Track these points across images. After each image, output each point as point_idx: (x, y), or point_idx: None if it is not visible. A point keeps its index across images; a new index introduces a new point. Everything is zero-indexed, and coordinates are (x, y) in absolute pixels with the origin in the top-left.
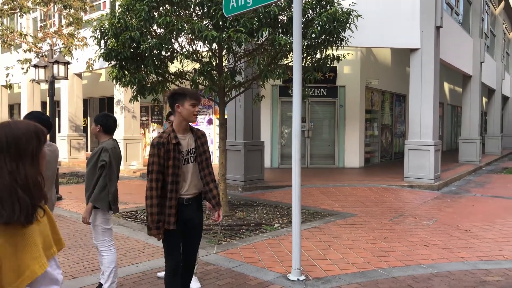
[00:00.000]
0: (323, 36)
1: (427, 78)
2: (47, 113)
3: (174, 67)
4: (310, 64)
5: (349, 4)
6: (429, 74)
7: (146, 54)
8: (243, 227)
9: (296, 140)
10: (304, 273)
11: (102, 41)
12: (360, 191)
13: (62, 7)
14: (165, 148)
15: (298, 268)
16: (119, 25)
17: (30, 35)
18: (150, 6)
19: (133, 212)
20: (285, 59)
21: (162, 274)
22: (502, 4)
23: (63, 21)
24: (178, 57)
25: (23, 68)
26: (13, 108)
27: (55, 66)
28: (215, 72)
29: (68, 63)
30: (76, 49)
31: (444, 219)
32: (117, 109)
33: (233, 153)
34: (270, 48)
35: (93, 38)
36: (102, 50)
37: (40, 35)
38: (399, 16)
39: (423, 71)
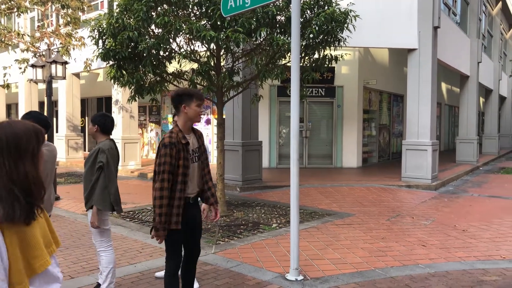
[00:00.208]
0: (321, 36)
1: (425, 78)
2: (45, 113)
3: (172, 67)
4: (308, 64)
5: (347, 5)
6: (426, 74)
7: (144, 54)
8: (241, 227)
9: (294, 140)
10: (302, 273)
11: (100, 41)
12: (358, 191)
13: (60, 7)
14: (177, 148)
15: (296, 268)
16: (117, 25)
17: (28, 35)
18: (148, 6)
19: (131, 212)
20: (283, 59)
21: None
22: (499, 4)
23: (61, 21)
24: (176, 57)
25: (20, 68)
26: (11, 108)
27: (53, 66)
28: (213, 72)
29: (66, 63)
30: (74, 49)
31: (442, 219)
32: (115, 109)
33: (231, 153)
34: (268, 48)
35: (91, 38)
36: (100, 50)
37: (37, 34)
38: (397, 17)
39: (421, 71)
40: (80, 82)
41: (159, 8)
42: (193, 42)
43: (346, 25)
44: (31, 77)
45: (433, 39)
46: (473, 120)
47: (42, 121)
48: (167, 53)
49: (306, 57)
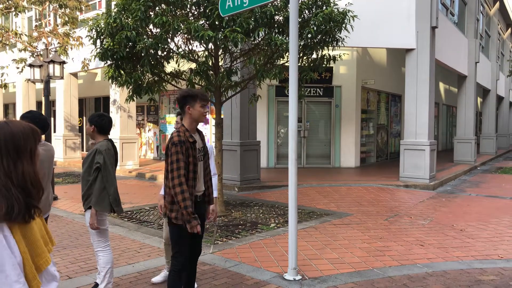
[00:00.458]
0: (319, 36)
1: (423, 78)
2: (43, 113)
3: (170, 66)
4: (306, 64)
5: (345, 5)
6: (424, 74)
7: (142, 54)
8: (239, 227)
9: (292, 140)
10: (300, 272)
11: (98, 41)
12: (356, 191)
13: (58, 6)
14: (185, 146)
15: (294, 268)
16: (115, 24)
17: (25, 34)
18: (146, 6)
19: (129, 212)
20: (281, 59)
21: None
22: (497, 4)
23: (59, 21)
24: (174, 56)
25: (18, 68)
26: (8, 107)
27: (51, 66)
28: (211, 72)
29: (63, 62)
30: (71, 48)
31: (440, 219)
32: (112, 108)
33: (229, 153)
34: (266, 48)
35: (89, 37)
36: (98, 50)
37: (35, 34)
38: (395, 17)
39: (419, 71)
40: (78, 82)
41: (157, 8)
42: (191, 41)
43: (344, 25)
44: (29, 77)
45: (431, 39)
46: (470, 120)
47: (42, 121)
48: (165, 52)
49: (304, 57)
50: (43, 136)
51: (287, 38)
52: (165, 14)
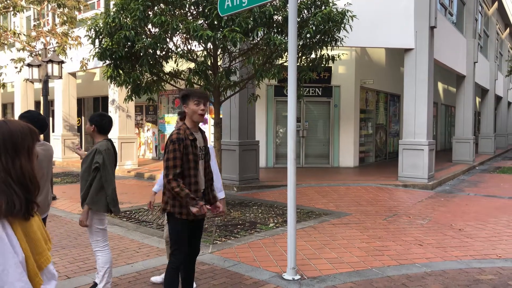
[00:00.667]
0: (318, 36)
1: (421, 78)
2: (41, 113)
3: (169, 66)
4: (305, 64)
5: (344, 5)
6: (423, 74)
7: (141, 54)
8: (238, 226)
9: (291, 139)
10: (299, 272)
11: (97, 40)
12: (355, 191)
13: (56, 6)
14: (184, 143)
15: (293, 268)
16: (113, 24)
17: (24, 34)
18: (145, 5)
19: (128, 212)
20: (280, 59)
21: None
22: (495, 4)
23: (57, 20)
24: (173, 56)
25: (16, 67)
26: (6, 107)
27: (49, 65)
28: (210, 72)
29: (62, 62)
30: (70, 48)
31: (438, 218)
32: (111, 108)
33: (228, 153)
34: (265, 48)
35: (88, 37)
36: (97, 49)
37: (33, 34)
38: (393, 17)
39: (417, 71)
40: (77, 82)
41: (156, 8)
42: (190, 41)
43: (343, 25)
44: (27, 77)
45: (429, 39)
46: (469, 119)
47: (40, 120)
48: (164, 52)
49: (303, 57)
50: (41, 136)
51: (286, 38)
52: (164, 13)
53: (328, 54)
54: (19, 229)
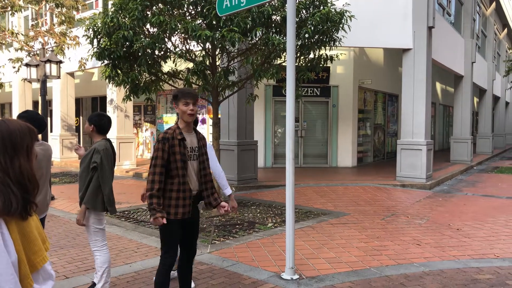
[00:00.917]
0: (317, 36)
1: (419, 78)
2: (39, 112)
3: (167, 66)
4: (303, 64)
5: (343, 5)
6: (421, 74)
7: (139, 53)
8: (237, 226)
9: (289, 139)
10: (298, 272)
11: (95, 40)
12: (353, 191)
13: (54, 6)
14: (170, 143)
15: (292, 267)
16: (112, 24)
17: (22, 34)
18: (143, 5)
19: (126, 212)
20: (278, 58)
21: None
22: (493, 5)
23: (55, 20)
24: (171, 56)
25: (14, 67)
26: (4, 107)
27: (47, 65)
28: (208, 72)
29: (60, 62)
30: (68, 48)
31: (436, 218)
32: (109, 108)
33: (227, 153)
34: (263, 47)
35: (86, 37)
36: (95, 49)
37: (31, 33)
38: (391, 17)
39: (416, 71)
40: (75, 82)
41: (154, 7)
42: (189, 41)
43: (341, 25)
44: (25, 76)
45: (427, 39)
46: (467, 119)
47: (38, 120)
48: (162, 52)
49: (302, 57)
50: (40, 136)
51: (284, 38)
52: (162, 13)
53: (326, 54)
54: (15, 229)
